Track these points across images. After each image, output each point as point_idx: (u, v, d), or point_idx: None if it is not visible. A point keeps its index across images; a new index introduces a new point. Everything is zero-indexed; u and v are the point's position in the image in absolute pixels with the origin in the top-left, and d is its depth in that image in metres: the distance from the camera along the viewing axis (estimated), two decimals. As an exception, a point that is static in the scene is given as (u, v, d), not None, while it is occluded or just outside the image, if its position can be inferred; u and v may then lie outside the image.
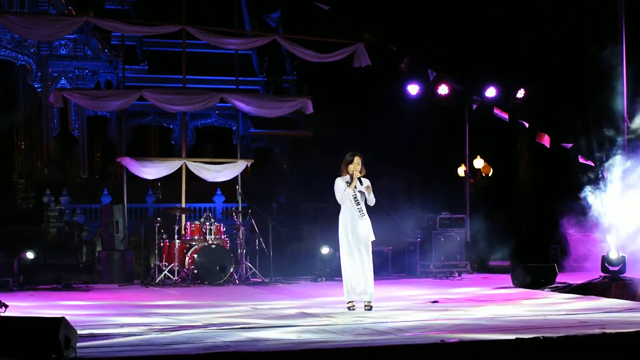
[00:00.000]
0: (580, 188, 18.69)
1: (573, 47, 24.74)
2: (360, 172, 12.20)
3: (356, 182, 12.16)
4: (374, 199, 12.30)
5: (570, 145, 20.09)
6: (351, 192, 12.17)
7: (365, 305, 12.11)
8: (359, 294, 12.13)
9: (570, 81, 24.73)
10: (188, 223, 18.79)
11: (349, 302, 12.24)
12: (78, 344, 8.54)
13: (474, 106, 21.77)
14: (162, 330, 10.36)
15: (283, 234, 23.51)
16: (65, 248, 29.05)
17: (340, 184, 12.28)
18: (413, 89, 22.37)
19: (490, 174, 30.44)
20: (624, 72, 18.83)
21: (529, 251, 19.49)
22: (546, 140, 20.69)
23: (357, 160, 12.22)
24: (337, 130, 34.17)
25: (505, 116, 21.32)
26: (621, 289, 15.18)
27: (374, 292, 12.23)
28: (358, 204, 12.19)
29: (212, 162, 22.07)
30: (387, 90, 29.30)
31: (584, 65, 23.24)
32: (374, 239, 12.35)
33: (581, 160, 19.55)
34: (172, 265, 17.96)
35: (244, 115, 29.11)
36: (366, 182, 12.29)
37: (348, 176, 12.23)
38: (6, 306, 9.01)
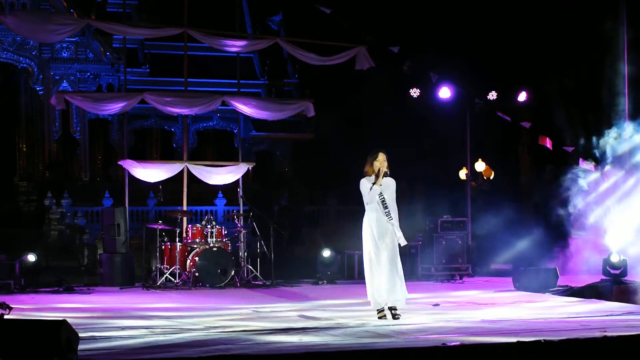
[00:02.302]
0: (581, 190, 18.70)
1: (574, 47, 24.74)
2: (385, 173, 11.49)
3: (382, 179, 11.43)
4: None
5: (571, 148, 20.09)
6: (378, 191, 11.43)
7: (392, 313, 11.41)
8: (386, 300, 11.42)
9: (572, 83, 24.73)
10: (189, 226, 18.77)
11: (379, 310, 11.48)
12: (79, 347, 8.55)
13: (476, 109, 21.78)
14: (164, 333, 10.37)
15: (284, 237, 23.56)
16: (66, 250, 29.06)
17: (365, 184, 11.52)
18: (415, 91, 22.40)
19: (491, 177, 30.44)
20: (625, 74, 18.84)
21: (531, 254, 19.46)
22: (548, 143, 20.68)
23: (381, 156, 11.48)
24: (339, 133, 34.21)
25: (508, 118, 21.32)
26: (622, 292, 15.19)
27: (404, 298, 11.54)
28: (386, 206, 11.47)
29: (214, 165, 22.07)
30: (389, 94, 29.33)
31: (586, 66, 23.25)
32: (404, 242, 11.66)
33: (582, 163, 19.55)
34: (173, 268, 17.95)
35: (246, 118, 29.06)
36: (391, 181, 11.60)
37: (373, 176, 11.50)
38: (10, 308, 9.03)
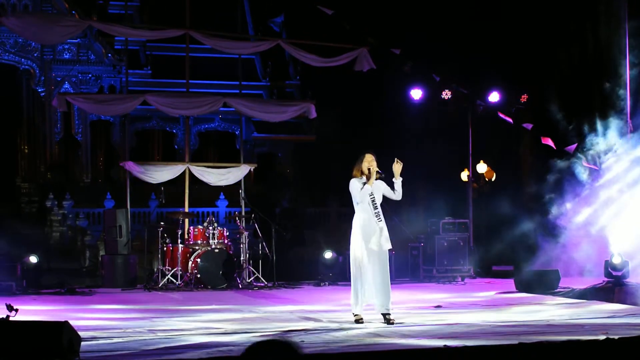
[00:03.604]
0: (584, 191, 18.69)
1: (575, 48, 24.73)
2: (376, 173, 11.32)
3: (374, 179, 11.25)
4: (401, 192, 11.45)
5: (573, 147, 20.07)
6: (369, 191, 11.27)
7: (386, 319, 11.19)
8: (376, 306, 11.29)
9: (573, 84, 24.73)
10: (191, 227, 18.78)
11: (356, 315, 11.32)
12: (81, 348, 8.55)
13: (480, 109, 21.77)
14: (165, 335, 10.36)
15: (286, 238, 23.51)
16: (68, 252, 29.06)
17: (355, 184, 11.33)
18: (416, 93, 22.40)
19: (493, 179, 30.42)
20: (626, 77, 18.82)
21: (533, 256, 19.46)
22: (551, 143, 20.64)
23: (369, 157, 11.31)
24: (341, 135, 34.19)
25: (510, 120, 21.31)
26: (624, 294, 15.17)
27: (389, 303, 11.36)
28: (376, 207, 11.26)
29: (216, 166, 22.08)
30: (390, 95, 29.30)
31: (587, 67, 23.24)
32: (390, 247, 11.41)
33: (585, 164, 19.54)
34: (175, 269, 17.96)
35: (247, 120, 29.16)
36: (382, 182, 11.42)
37: (363, 177, 11.32)
38: (16, 310, 9.04)
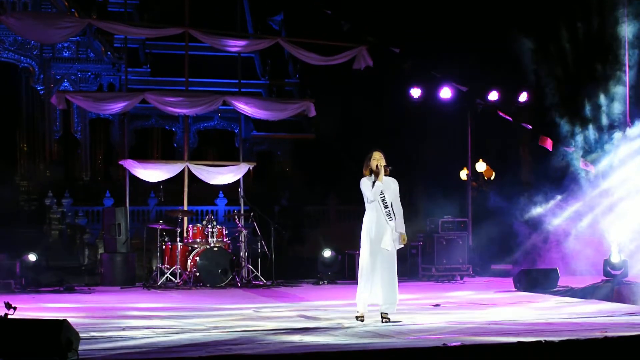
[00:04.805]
0: (581, 192, 18.70)
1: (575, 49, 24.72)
2: (384, 168, 11.29)
3: (383, 175, 11.25)
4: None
5: (572, 148, 20.08)
6: (380, 189, 11.25)
7: (382, 317, 11.29)
8: (379, 304, 11.36)
9: (572, 84, 24.72)
10: (190, 226, 18.78)
11: (358, 312, 11.43)
12: (80, 347, 8.55)
13: (479, 107, 21.77)
14: (165, 334, 10.37)
15: (285, 237, 23.55)
16: (67, 250, 29.05)
17: (366, 182, 11.34)
18: (416, 92, 22.40)
19: (492, 178, 30.42)
20: (626, 78, 18.83)
21: (531, 255, 19.48)
22: (549, 144, 20.66)
23: (377, 155, 11.30)
24: (340, 133, 34.20)
25: (509, 118, 21.31)
26: (623, 292, 15.18)
27: (394, 304, 11.37)
28: (386, 206, 11.29)
29: (215, 164, 22.07)
30: (390, 94, 29.31)
31: (587, 66, 23.23)
32: (401, 246, 11.56)
33: (582, 165, 19.54)
34: (174, 268, 17.96)
35: (246, 118, 29.07)
36: (393, 181, 11.43)
37: (373, 176, 11.33)
38: (15, 308, 9.04)
